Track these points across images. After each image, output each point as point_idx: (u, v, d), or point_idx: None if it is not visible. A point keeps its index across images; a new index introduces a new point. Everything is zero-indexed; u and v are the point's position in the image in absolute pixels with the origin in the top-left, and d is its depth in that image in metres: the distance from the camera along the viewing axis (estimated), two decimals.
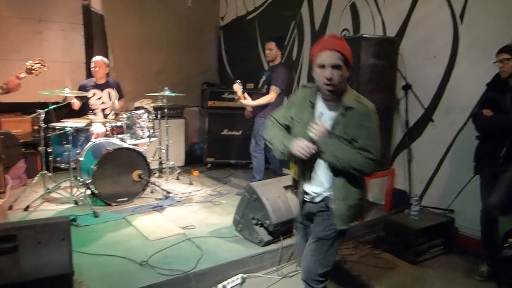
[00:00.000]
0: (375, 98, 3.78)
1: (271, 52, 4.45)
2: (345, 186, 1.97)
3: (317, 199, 2.09)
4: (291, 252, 3.26)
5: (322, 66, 1.87)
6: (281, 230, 3.27)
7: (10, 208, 3.85)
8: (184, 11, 6.49)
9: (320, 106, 2.02)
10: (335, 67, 1.85)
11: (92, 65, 4.78)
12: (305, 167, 2.08)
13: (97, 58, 4.80)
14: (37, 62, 3.08)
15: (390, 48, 3.95)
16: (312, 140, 1.92)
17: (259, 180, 4.26)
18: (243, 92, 4.36)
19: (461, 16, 3.59)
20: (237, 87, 4.32)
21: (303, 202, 2.17)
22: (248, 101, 4.35)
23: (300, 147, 1.91)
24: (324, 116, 1.99)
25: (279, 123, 2.16)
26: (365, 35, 3.76)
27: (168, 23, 6.36)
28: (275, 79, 4.35)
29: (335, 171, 1.96)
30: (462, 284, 3.05)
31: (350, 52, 1.90)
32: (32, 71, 3.04)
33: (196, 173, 5.53)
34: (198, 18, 6.69)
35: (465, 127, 3.61)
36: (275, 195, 3.31)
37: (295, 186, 2.24)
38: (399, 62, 4.08)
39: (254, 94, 4.54)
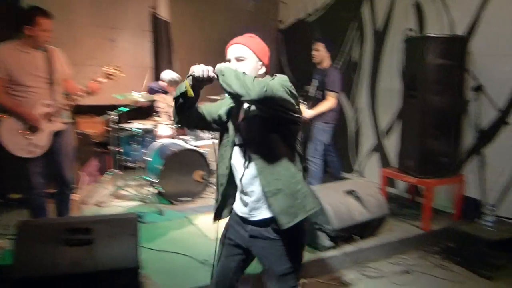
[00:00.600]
0: (442, 100, 3.65)
1: (319, 53, 4.30)
2: (276, 177, 1.72)
3: (254, 217, 1.82)
4: (352, 259, 3.18)
5: (228, 62, 1.85)
6: (342, 236, 3.21)
7: (84, 203, 4.14)
8: (245, 15, 6.61)
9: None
10: (239, 59, 1.83)
11: (164, 84, 4.89)
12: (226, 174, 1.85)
13: (167, 77, 4.86)
14: (116, 68, 3.34)
15: (458, 47, 3.74)
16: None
17: None
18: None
19: None
20: (302, 108, 4.24)
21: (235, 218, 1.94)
22: (307, 112, 4.20)
23: (196, 66, 1.72)
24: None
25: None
26: (431, 34, 3.60)
27: (230, 28, 6.49)
28: (331, 83, 4.19)
29: (259, 163, 1.73)
30: None
31: (259, 45, 1.86)
32: (109, 76, 3.30)
33: None
34: (258, 22, 6.76)
35: None
36: (337, 199, 3.24)
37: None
38: (469, 62, 3.84)
39: (309, 101, 4.44)
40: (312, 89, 4.48)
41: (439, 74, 3.61)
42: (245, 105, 1.87)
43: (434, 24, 4.22)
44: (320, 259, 3.10)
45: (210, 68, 1.72)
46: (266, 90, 1.59)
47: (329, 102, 4.20)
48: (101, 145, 5.14)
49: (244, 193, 1.84)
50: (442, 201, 4.20)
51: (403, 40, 4.12)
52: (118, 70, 3.32)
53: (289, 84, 1.73)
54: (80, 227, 2.32)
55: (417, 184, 3.94)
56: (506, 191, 3.65)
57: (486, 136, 3.79)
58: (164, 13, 5.91)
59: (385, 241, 3.45)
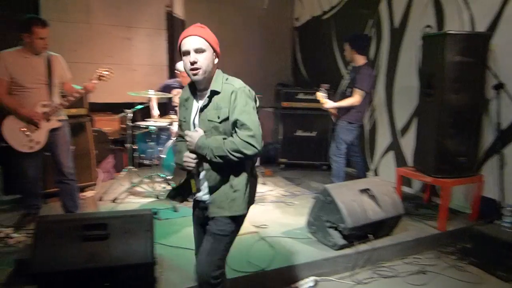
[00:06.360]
0: (461, 98, 3.58)
1: (346, 53, 4.34)
2: (218, 174, 1.94)
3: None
4: (366, 258, 3.17)
5: (187, 53, 1.88)
6: (356, 235, 3.19)
7: (100, 199, 4.22)
8: (260, 13, 6.60)
9: (198, 98, 2.01)
10: (198, 51, 1.87)
11: (179, 73, 4.96)
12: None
13: (182, 68, 4.95)
14: (106, 70, 3.50)
15: (479, 44, 3.63)
16: (192, 151, 1.94)
17: None
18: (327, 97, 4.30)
19: None
20: (320, 95, 4.25)
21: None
22: (329, 103, 4.24)
23: (185, 160, 1.94)
24: (200, 106, 1.96)
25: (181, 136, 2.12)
26: (450, 31, 3.52)
27: (245, 26, 6.51)
28: (359, 81, 4.16)
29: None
30: None
31: (213, 37, 1.96)
32: (101, 78, 3.48)
33: (269, 173, 5.58)
34: (273, 19, 6.76)
35: None
36: (351, 198, 3.22)
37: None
38: (490, 59, 3.76)
39: (337, 97, 4.44)
40: (343, 86, 4.51)
41: (458, 72, 3.53)
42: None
43: (454, 20, 4.14)
44: (333, 257, 3.08)
45: (193, 156, 1.92)
46: (257, 148, 1.83)
47: (352, 99, 4.16)
48: (117, 143, 5.22)
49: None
50: (460, 201, 4.13)
51: (421, 37, 4.05)
52: (109, 71, 3.51)
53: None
54: (96, 222, 2.35)
55: (433, 183, 3.88)
56: None
57: (506, 135, 3.71)
58: (179, 11, 5.95)
59: (400, 241, 3.42)
